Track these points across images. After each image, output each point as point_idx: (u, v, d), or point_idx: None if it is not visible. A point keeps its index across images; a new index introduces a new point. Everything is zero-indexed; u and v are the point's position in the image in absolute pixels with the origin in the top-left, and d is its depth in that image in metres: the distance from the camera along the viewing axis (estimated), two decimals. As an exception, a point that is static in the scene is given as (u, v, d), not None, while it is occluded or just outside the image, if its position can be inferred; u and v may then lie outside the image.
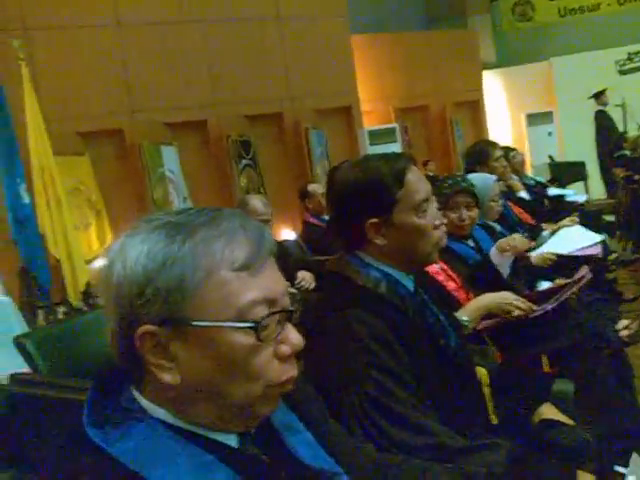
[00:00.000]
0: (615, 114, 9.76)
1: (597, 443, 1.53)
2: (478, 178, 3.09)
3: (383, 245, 1.58)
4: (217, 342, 0.87)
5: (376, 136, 8.57)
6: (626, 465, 1.34)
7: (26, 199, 4.57)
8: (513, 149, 5.64)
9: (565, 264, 3.27)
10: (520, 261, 3.10)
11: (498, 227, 3.36)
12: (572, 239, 3.64)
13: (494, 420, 1.63)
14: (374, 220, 1.57)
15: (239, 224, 0.91)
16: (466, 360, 1.68)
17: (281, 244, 4.62)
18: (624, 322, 2.50)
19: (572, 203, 5.49)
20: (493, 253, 2.82)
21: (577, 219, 3.90)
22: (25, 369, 2.59)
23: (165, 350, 0.88)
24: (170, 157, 6.62)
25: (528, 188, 5.21)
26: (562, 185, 6.81)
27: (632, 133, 9.22)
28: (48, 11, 6.25)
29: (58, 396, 2.28)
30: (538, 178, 6.52)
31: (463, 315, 2.11)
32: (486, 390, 1.65)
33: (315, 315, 1.56)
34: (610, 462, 1.47)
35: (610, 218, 6.62)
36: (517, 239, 2.95)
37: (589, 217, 4.93)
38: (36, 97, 4.75)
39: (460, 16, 11.86)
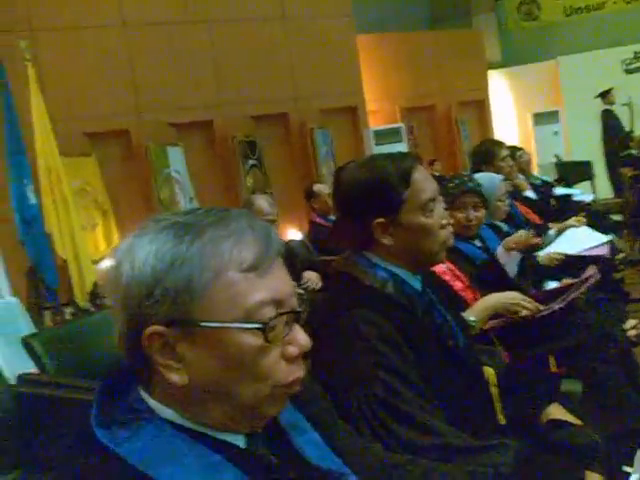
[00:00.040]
0: (622, 113, 9.73)
1: (605, 443, 1.52)
2: (485, 178, 3.08)
3: (390, 245, 1.57)
4: (225, 343, 0.87)
5: (382, 136, 8.56)
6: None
7: (33, 200, 4.58)
8: (519, 148, 5.62)
9: (572, 264, 3.26)
10: (527, 260, 3.10)
11: (505, 227, 3.35)
12: (579, 239, 3.63)
13: (502, 420, 1.62)
14: (381, 220, 1.56)
15: (247, 224, 0.91)
16: (473, 360, 1.68)
17: (287, 244, 4.62)
18: (631, 322, 2.49)
19: (579, 203, 5.48)
20: (500, 252, 2.82)
21: (584, 219, 3.88)
22: (32, 369, 2.60)
23: (173, 350, 0.88)
24: (176, 157, 6.63)
25: (534, 187, 5.20)
26: (569, 184, 6.80)
27: (639, 132, 9.20)
28: (54, 12, 6.27)
29: (65, 396, 2.29)
30: (544, 177, 6.50)
31: (470, 316, 2.10)
32: (494, 390, 1.65)
33: (322, 315, 1.56)
34: (618, 463, 1.47)
35: (617, 218, 6.59)
36: (523, 235, 2.95)
37: (596, 217, 4.91)
38: (42, 98, 4.77)
39: (465, 15, 11.84)
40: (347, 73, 8.20)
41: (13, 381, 2.65)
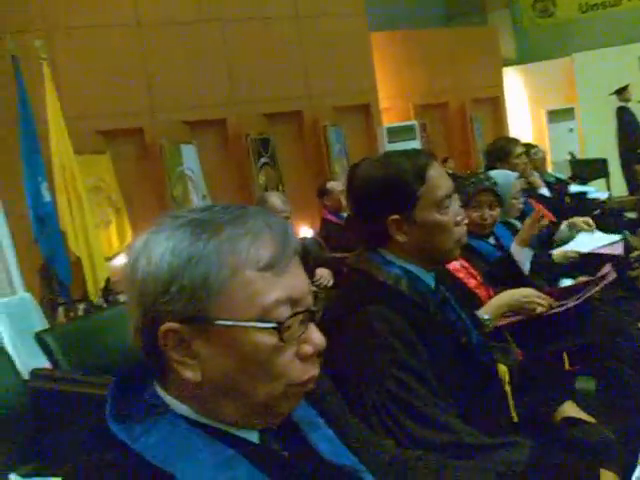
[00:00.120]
0: (637, 110, 9.64)
1: (619, 442, 1.51)
2: (500, 175, 3.06)
3: (404, 242, 1.57)
4: (240, 341, 0.87)
5: (395, 133, 8.53)
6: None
7: (47, 197, 4.61)
8: (534, 146, 5.59)
9: (587, 262, 3.23)
10: (541, 257, 3.08)
11: (519, 224, 3.33)
12: (593, 238, 3.60)
13: (515, 418, 1.62)
14: (395, 217, 1.56)
15: (264, 223, 0.90)
16: (487, 358, 1.67)
17: (300, 242, 4.62)
18: (646, 320, 2.47)
19: (594, 200, 5.44)
20: (514, 249, 2.80)
21: (593, 224, 3.76)
22: (46, 364, 2.61)
23: (188, 347, 0.88)
24: (189, 156, 6.65)
25: (548, 185, 5.16)
26: (583, 182, 6.75)
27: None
28: (69, 11, 6.30)
29: (78, 391, 2.31)
30: (559, 175, 6.46)
31: (484, 314, 2.09)
32: (507, 388, 1.64)
33: (336, 312, 1.56)
34: (633, 461, 1.46)
35: (632, 215, 6.53)
36: (527, 221, 2.93)
37: (611, 214, 4.87)
38: (57, 96, 4.79)
39: (480, 12, 11.78)
40: (360, 71, 8.18)
41: (26, 376, 2.67)
